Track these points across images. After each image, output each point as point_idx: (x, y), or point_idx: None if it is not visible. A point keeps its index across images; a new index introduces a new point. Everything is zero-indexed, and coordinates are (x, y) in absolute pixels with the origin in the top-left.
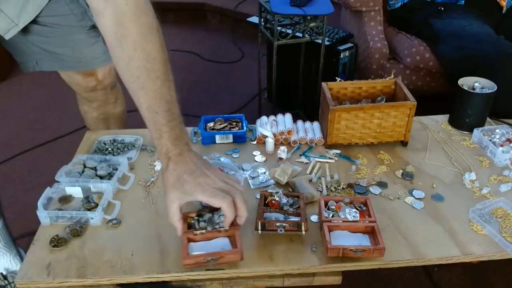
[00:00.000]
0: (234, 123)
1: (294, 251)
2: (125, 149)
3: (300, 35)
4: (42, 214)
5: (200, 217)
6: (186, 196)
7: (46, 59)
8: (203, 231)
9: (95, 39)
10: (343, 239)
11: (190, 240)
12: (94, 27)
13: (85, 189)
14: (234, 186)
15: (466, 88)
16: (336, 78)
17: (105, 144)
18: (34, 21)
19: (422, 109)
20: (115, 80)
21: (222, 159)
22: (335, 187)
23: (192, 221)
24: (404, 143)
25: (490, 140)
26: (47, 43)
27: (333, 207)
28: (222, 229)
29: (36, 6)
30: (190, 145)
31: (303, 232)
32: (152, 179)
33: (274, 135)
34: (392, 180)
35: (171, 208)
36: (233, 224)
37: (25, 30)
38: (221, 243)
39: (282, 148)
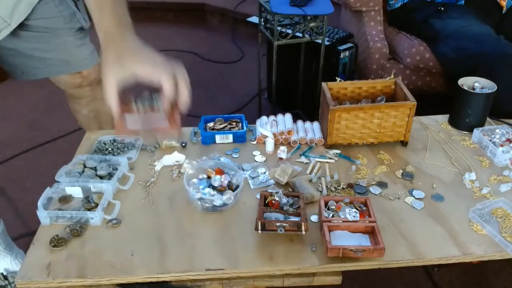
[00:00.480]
0: (234, 123)
1: (294, 251)
2: (125, 149)
3: (300, 35)
4: (42, 214)
5: (138, 99)
6: (124, 71)
7: (33, 66)
8: (141, 109)
9: (82, 40)
10: (343, 239)
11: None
12: (81, 29)
13: (85, 189)
14: (177, 67)
15: (466, 88)
16: (336, 78)
17: (105, 144)
18: (23, 26)
19: (422, 109)
20: (100, 75)
21: (222, 159)
22: (335, 187)
23: (131, 102)
24: (404, 143)
25: (490, 140)
26: (36, 49)
27: (333, 207)
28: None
29: (28, 5)
30: (135, 34)
31: (303, 232)
32: (152, 179)
33: (274, 135)
34: (392, 180)
35: (108, 85)
36: (173, 108)
37: (13, 37)
38: (158, 117)
39: (282, 148)
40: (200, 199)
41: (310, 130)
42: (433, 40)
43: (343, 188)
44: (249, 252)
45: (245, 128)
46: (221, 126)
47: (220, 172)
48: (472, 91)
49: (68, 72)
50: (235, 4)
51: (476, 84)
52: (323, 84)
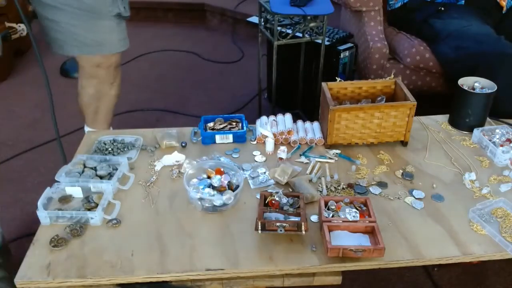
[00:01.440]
0: (234, 123)
1: (294, 251)
2: (125, 149)
3: (300, 35)
4: (42, 214)
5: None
6: None
7: (70, 43)
8: None
9: (118, 26)
10: (343, 239)
11: None
12: (119, 15)
13: (85, 189)
14: None
15: (466, 88)
16: (336, 78)
17: (105, 144)
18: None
19: (422, 109)
20: (120, 62)
21: (222, 159)
22: (335, 187)
23: None
24: (404, 143)
25: (490, 140)
26: (76, 26)
27: (333, 207)
28: None
29: None
30: None
31: (303, 232)
32: (152, 179)
33: (274, 135)
34: (392, 180)
35: None
36: None
37: (58, 10)
38: None
39: (282, 148)
40: (200, 199)
41: (310, 130)
42: (433, 40)
43: (343, 188)
44: (249, 252)
45: (245, 128)
46: (221, 126)
47: (220, 172)
48: (472, 91)
49: (99, 53)
50: (235, 4)
51: (476, 84)
52: (323, 84)
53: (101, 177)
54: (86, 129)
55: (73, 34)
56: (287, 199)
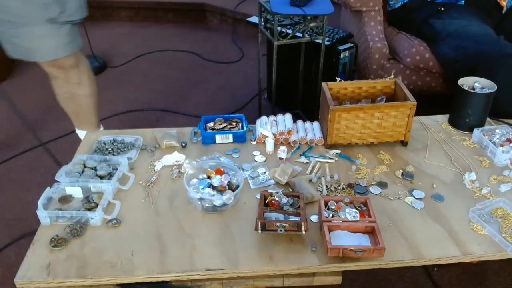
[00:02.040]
0: (234, 123)
1: (294, 251)
2: (125, 149)
3: (300, 35)
4: (42, 214)
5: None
6: None
7: (5, 46)
8: None
9: (54, 31)
10: (343, 239)
11: None
12: (53, 21)
13: (85, 189)
14: None
15: (466, 88)
16: (336, 78)
17: (105, 144)
18: None
19: (422, 109)
20: (75, 62)
21: (222, 159)
22: (335, 187)
23: None
24: (404, 143)
25: (490, 140)
26: (4, 33)
27: (333, 207)
28: None
29: None
30: None
31: (303, 232)
32: (152, 179)
33: (274, 135)
34: (392, 180)
35: None
36: None
37: None
38: None
39: (282, 148)
40: (200, 199)
41: (310, 130)
42: (433, 40)
43: (343, 188)
44: (249, 252)
45: (245, 128)
46: (221, 126)
47: (220, 172)
48: (472, 91)
49: (34, 60)
50: (235, 4)
51: (476, 84)
52: (323, 84)
53: (101, 177)
54: (76, 131)
55: (6, 40)
56: (287, 199)
